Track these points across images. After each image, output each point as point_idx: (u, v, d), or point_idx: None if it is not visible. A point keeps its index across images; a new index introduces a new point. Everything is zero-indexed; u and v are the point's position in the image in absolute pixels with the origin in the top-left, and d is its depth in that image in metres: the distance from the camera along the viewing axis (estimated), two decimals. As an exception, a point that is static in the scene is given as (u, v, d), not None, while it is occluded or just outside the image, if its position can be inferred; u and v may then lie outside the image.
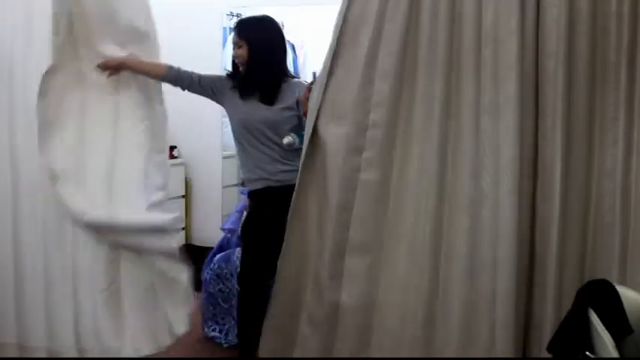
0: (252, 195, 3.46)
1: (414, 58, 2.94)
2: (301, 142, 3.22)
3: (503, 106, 2.81)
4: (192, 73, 3.50)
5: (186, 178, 5.68)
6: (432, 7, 2.90)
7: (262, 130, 3.35)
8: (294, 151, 3.31)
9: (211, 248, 5.19)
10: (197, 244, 5.58)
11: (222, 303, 4.09)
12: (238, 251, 3.93)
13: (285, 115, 3.35)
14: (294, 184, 3.15)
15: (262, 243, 3.36)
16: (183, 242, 5.64)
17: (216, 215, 5.69)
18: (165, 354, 3.88)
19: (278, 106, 3.36)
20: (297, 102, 3.33)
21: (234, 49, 3.47)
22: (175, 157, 5.57)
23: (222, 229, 4.26)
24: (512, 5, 2.78)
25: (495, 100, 2.82)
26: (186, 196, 5.68)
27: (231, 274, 4.02)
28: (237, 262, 3.85)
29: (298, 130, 3.32)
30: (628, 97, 2.72)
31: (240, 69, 3.44)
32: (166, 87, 5.64)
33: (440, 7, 2.88)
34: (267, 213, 3.36)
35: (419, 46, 2.93)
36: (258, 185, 3.38)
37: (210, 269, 4.13)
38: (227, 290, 4.06)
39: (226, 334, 4.05)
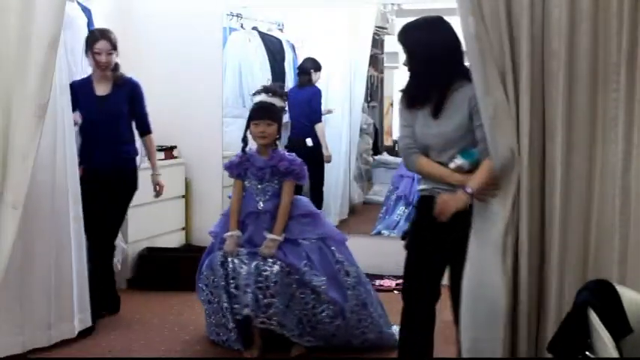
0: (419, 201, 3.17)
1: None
2: (472, 164, 2.89)
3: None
4: (410, 138, 3.04)
5: (186, 178, 5.68)
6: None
7: (436, 152, 2.99)
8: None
9: (211, 248, 5.20)
10: (197, 244, 5.58)
11: (212, 315, 3.90)
12: (220, 255, 3.81)
13: (452, 137, 2.92)
14: None
15: (426, 252, 3.06)
16: (184, 242, 5.65)
17: (216, 215, 5.66)
18: (166, 354, 3.90)
19: (446, 123, 2.93)
20: (471, 111, 2.89)
21: None
22: (175, 157, 5.57)
23: (210, 233, 4.09)
24: (523, 6, 2.79)
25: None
26: (186, 196, 5.67)
27: (218, 283, 3.79)
28: (219, 267, 3.77)
29: (469, 148, 2.92)
30: (628, 97, 2.73)
31: None
32: (164, 87, 5.66)
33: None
34: (431, 224, 2.99)
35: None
36: (428, 194, 3.07)
37: (200, 277, 3.94)
38: (216, 300, 3.82)
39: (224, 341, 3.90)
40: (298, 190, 4.33)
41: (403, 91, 3.06)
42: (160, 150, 5.42)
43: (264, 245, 3.73)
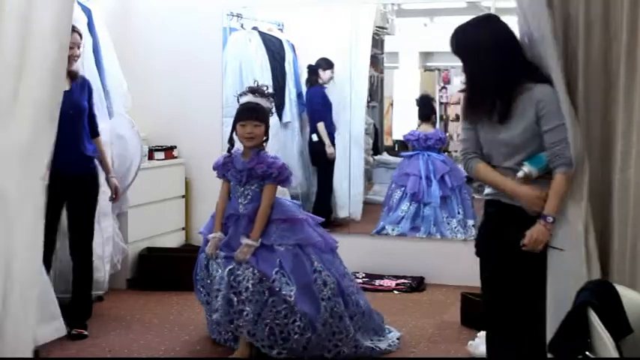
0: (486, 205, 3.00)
1: None
2: (540, 170, 2.73)
3: None
4: (469, 142, 2.89)
5: (186, 178, 5.68)
6: None
7: (502, 157, 2.82)
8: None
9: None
10: (197, 244, 5.57)
11: (209, 316, 3.91)
12: (203, 257, 3.85)
13: (518, 142, 2.75)
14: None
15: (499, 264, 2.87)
16: (184, 242, 5.65)
17: (217, 215, 5.69)
18: (166, 354, 3.90)
19: (513, 127, 2.75)
20: (539, 115, 2.71)
21: None
22: (175, 157, 5.58)
23: (199, 233, 4.06)
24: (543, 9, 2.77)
25: None
26: (186, 196, 5.68)
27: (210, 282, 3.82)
28: (204, 269, 3.82)
29: (537, 154, 2.76)
30: (628, 96, 2.73)
31: None
32: (164, 86, 5.66)
33: None
34: (498, 227, 2.88)
35: None
36: (492, 198, 2.93)
37: (197, 278, 3.95)
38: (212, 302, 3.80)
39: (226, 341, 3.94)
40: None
41: (465, 99, 2.85)
42: (159, 150, 5.43)
43: (239, 250, 3.65)
